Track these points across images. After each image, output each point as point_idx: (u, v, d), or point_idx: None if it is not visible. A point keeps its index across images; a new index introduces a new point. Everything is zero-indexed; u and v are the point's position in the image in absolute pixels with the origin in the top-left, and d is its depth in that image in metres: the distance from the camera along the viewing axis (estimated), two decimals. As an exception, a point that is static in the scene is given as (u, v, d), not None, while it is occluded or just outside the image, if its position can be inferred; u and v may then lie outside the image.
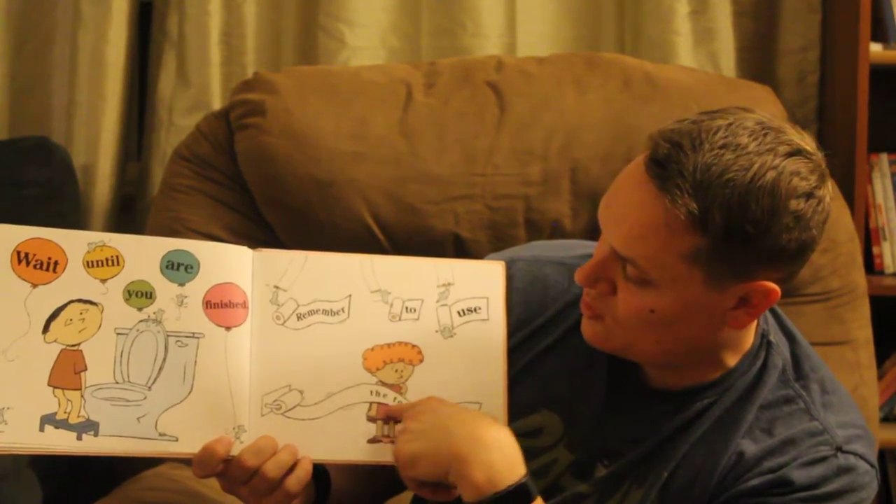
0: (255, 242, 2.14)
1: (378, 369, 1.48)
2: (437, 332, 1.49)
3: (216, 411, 1.42)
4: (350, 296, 1.48)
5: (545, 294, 1.57)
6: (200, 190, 2.17)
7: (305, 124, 2.13)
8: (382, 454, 1.47)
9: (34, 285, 1.40)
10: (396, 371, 1.48)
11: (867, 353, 2.15)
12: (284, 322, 1.46)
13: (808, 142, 1.37)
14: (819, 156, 1.38)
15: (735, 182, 1.30)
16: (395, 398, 1.47)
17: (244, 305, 1.45)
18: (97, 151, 2.56)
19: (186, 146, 2.22)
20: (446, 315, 1.50)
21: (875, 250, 2.55)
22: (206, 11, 2.56)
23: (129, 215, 2.62)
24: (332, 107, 2.15)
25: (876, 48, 2.48)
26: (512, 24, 2.58)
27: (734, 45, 2.60)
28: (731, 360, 1.48)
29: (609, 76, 2.19)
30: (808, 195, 1.34)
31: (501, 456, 1.38)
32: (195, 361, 1.42)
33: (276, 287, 1.46)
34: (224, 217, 2.15)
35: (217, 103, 2.55)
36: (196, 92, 2.57)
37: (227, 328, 1.44)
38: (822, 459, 1.43)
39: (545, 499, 1.48)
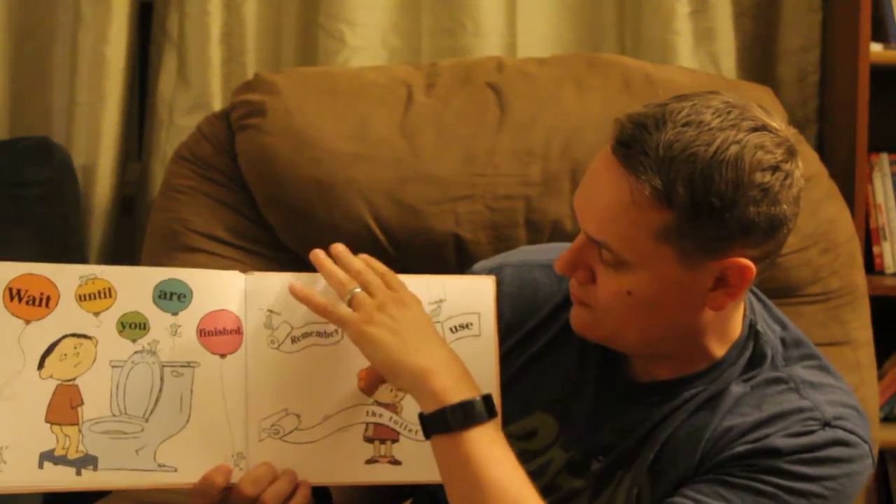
0: (255, 243, 2.15)
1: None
2: None
3: (214, 440, 1.42)
4: None
5: (535, 297, 1.58)
6: (201, 191, 2.17)
7: (306, 125, 2.13)
8: (380, 474, 1.47)
9: (27, 321, 1.39)
10: (392, 390, 1.47)
11: (867, 354, 2.15)
12: (279, 346, 1.46)
13: (774, 119, 1.38)
14: (787, 132, 1.38)
15: (697, 156, 1.32)
16: (390, 417, 1.47)
17: (238, 331, 1.44)
18: (97, 151, 2.56)
19: (187, 147, 2.22)
20: (439, 332, 1.49)
21: (875, 250, 2.55)
22: (206, 11, 2.56)
23: (129, 215, 2.62)
24: (332, 108, 2.15)
25: (876, 48, 2.48)
26: (512, 25, 2.58)
27: (734, 45, 2.60)
28: (719, 350, 1.48)
29: (609, 77, 2.19)
30: (774, 168, 1.35)
31: (465, 377, 1.39)
32: (191, 390, 1.42)
33: (270, 311, 1.46)
34: (225, 218, 2.15)
35: (217, 103, 2.55)
36: (196, 92, 2.57)
37: (222, 356, 1.44)
38: (810, 432, 1.43)
39: (543, 497, 1.49)
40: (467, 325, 1.50)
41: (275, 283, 1.47)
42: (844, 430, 1.44)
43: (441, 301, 1.50)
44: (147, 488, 1.42)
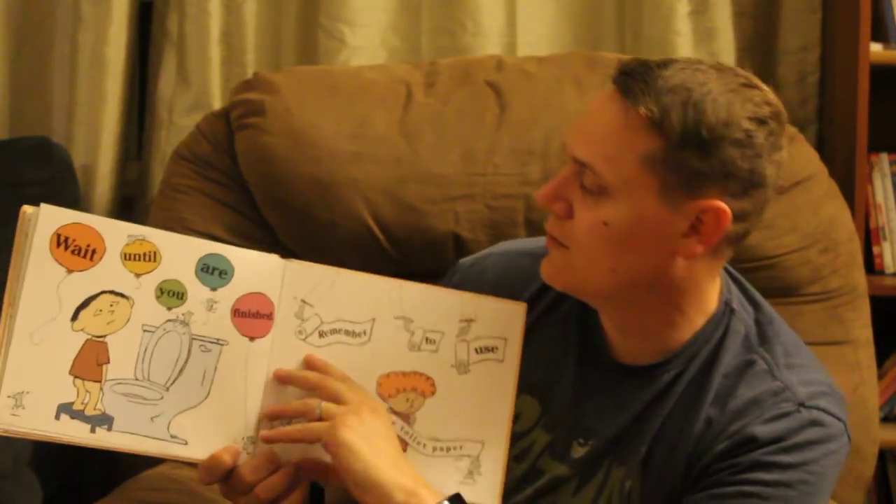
0: (254, 243, 2.15)
1: (391, 396, 1.47)
2: (452, 366, 1.49)
3: (229, 420, 1.42)
4: (374, 319, 1.48)
5: (518, 283, 1.59)
6: (200, 190, 2.17)
7: (305, 124, 2.13)
8: None
9: (69, 271, 1.38)
10: (408, 400, 1.47)
11: (867, 353, 2.15)
12: (306, 338, 1.45)
13: (768, 90, 1.44)
14: (778, 104, 1.43)
15: (693, 91, 1.38)
16: (402, 427, 1.47)
17: (270, 317, 1.44)
18: (97, 151, 2.56)
19: (187, 146, 2.22)
20: (464, 351, 1.50)
21: (875, 250, 2.55)
22: (206, 11, 2.56)
23: (129, 215, 2.61)
24: (332, 107, 2.15)
25: (876, 48, 2.48)
26: (512, 24, 2.58)
27: (734, 45, 2.60)
28: (695, 321, 1.49)
29: (609, 76, 2.18)
30: (761, 121, 1.39)
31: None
32: (215, 368, 1.42)
33: (304, 301, 1.46)
34: (224, 217, 2.15)
35: (217, 103, 2.55)
36: (196, 92, 2.57)
37: (251, 339, 1.44)
38: (785, 415, 1.44)
39: (527, 483, 1.50)
40: (492, 349, 1.50)
41: (313, 275, 1.47)
42: (818, 409, 1.45)
43: (471, 320, 1.50)
44: (156, 456, 1.42)
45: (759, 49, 2.63)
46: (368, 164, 2.10)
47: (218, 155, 2.18)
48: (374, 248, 2.10)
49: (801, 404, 1.44)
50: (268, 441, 1.43)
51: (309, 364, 1.45)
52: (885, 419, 2.55)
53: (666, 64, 1.41)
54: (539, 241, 1.56)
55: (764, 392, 1.45)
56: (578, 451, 1.51)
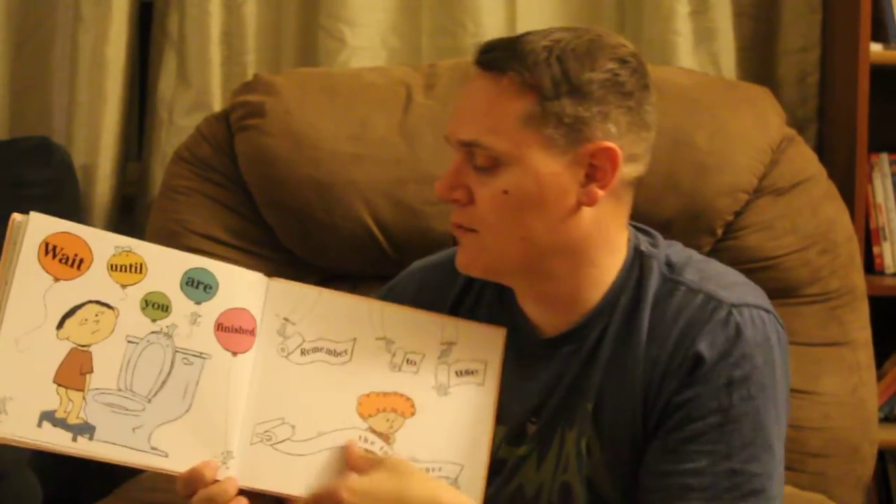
0: (254, 244, 2.15)
1: (370, 416, 1.48)
2: (432, 388, 1.50)
3: (209, 434, 1.42)
4: (355, 339, 1.49)
5: (434, 296, 1.60)
6: (201, 191, 2.17)
7: (305, 126, 2.13)
8: None
9: (56, 279, 1.39)
10: (388, 420, 1.48)
11: (866, 354, 2.15)
12: (288, 355, 1.46)
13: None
14: (633, 49, 1.49)
15: (553, 48, 1.44)
16: (381, 447, 1.47)
17: (252, 333, 1.45)
18: (97, 151, 2.56)
19: (187, 147, 2.22)
20: (444, 373, 1.51)
21: (875, 250, 2.55)
22: (206, 11, 2.56)
23: (129, 215, 2.62)
24: (332, 108, 2.15)
25: (876, 48, 2.48)
26: (512, 25, 2.58)
27: (734, 45, 2.60)
28: (609, 271, 1.50)
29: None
30: (622, 60, 1.45)
31: None
32: (197, 381, 1.42)
33: (286, 319, 1.47)
34: (224, 218, 2.16)
35: (217, 103, 2.55)
36: (196, 92, 2.57)
37: (234, 353, 1.44)
38: (722, 324, 1.46)
39: (494, 476, 1.52)
40: (473, 372, 1.52)
41: (296, 293, 1.48)
42: (747, 305, 1.47)
43: (452, 343, 1.51)
44: (135, 467, 1.42)
45: (759, 49, 2.63)
46: (368, 166, 2.11)
47: (218, 156, 2.18)
48: (373, 250, 2.11)
49: (733, 305, 1.47)
50: None
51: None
52: (885, 419, 2.55)
53: (521, 35, 1.46)
54: (447, 252, 1.57)
55: (695, 310, 1.47)
56: (532, 430, 1.53)
